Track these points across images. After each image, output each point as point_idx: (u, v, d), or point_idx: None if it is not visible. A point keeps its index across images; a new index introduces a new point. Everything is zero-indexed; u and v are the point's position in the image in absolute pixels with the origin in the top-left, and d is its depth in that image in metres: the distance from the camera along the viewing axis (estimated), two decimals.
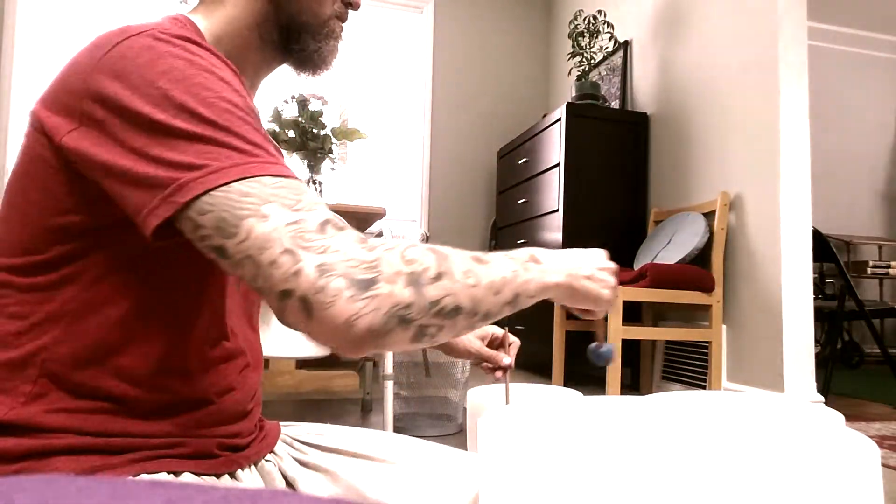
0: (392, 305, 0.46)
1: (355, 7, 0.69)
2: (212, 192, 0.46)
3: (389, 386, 1.72)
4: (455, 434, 1.93)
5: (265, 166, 0.48)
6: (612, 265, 0.67)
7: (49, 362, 0.52)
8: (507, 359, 0.89)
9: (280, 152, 0.56)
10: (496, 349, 0.92)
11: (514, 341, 0.93)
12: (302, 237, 0.46)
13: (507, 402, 0.91)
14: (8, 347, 0.53)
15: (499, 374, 0.88)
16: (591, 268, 0.63)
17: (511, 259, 0.55)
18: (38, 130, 0.53)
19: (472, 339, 0.90)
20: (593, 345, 0.87)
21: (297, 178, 0.50)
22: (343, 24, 0.69)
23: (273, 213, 0.46)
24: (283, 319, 0.47)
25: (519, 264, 0.55)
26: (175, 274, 0.57)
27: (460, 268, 0.50)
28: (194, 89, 0.49)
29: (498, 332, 0.92)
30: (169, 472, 0.54)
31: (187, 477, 0.55)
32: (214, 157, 0.47)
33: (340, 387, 2.74)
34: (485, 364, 0.89)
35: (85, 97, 0.50)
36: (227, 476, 0.60)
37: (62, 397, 0.52)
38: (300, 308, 0.45)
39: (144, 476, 0.53)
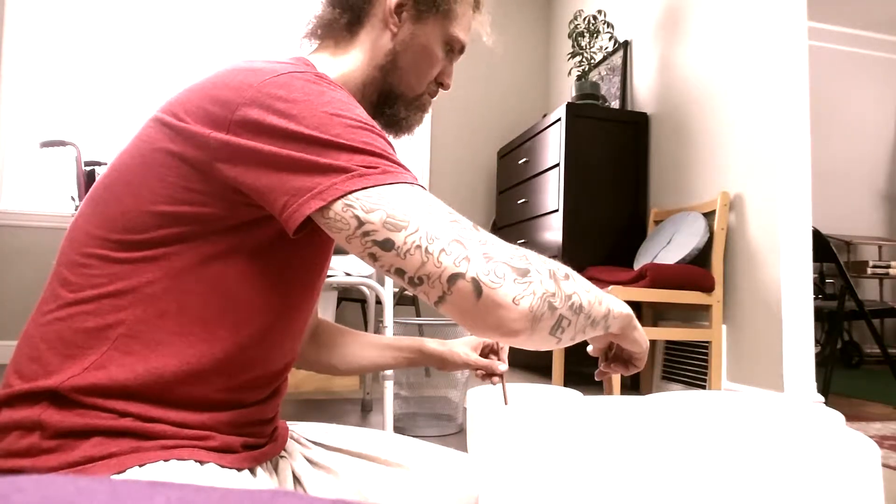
0: (544, 291, 0.53)
1: (446, 88, 0.78)
2: (380, 188, 0.52)
3: (389, 386, 1.72)
4: (455, 434, 1.93)
5: (414, 178, 0.56)
6: None
7: (122, 338, 0.56)
8: (503, 365, 0.89)
9: None
10: (487, 356, 0.93)
11: (505, 346, 0.93)
12: (463, 232, 0.53)
13: (505, 406, 0.91)
14: (89, 315, 0.56)
15: (495, 380, 0.88)
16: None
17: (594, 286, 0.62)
18: (171, 128, 0.57)
19: (467, 351, 0.90)
20: None
21: None
22: (432, 100, 0.77)
23: (437, 213, 0.53)
24: (445, 303, 0.52)
25: (602, 291, 0.62)
26: (268, 283, 0.61)
27: (575, 274, 0.58)
28: (355, 117, 0.56)
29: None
30: (196, 461, 0.56)
31: (211, 467, 0.57)
32: (377, 165, 0.54)
33: (340, 387, 2.74)
34: (479, 372, 0.89)
35: (242, 109, 0.54)
36: (247, 471, 0.62)
37: (119, 372, 0.55)
38: (471, 289, 0.51)
39: (174, 462, 0.55)
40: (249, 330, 0.61)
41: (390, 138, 0.76)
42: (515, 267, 0.53)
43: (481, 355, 0.93)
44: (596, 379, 0.76)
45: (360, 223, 0.52)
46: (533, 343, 0.55)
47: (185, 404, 0.58)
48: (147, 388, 0.56)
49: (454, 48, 0.75)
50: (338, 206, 0.52)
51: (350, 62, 0.71)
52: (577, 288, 0.56)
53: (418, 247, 0.51)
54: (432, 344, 0.90)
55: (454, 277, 0.51)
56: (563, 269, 0.57)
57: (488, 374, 0.89)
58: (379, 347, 0.91)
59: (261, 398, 0.66)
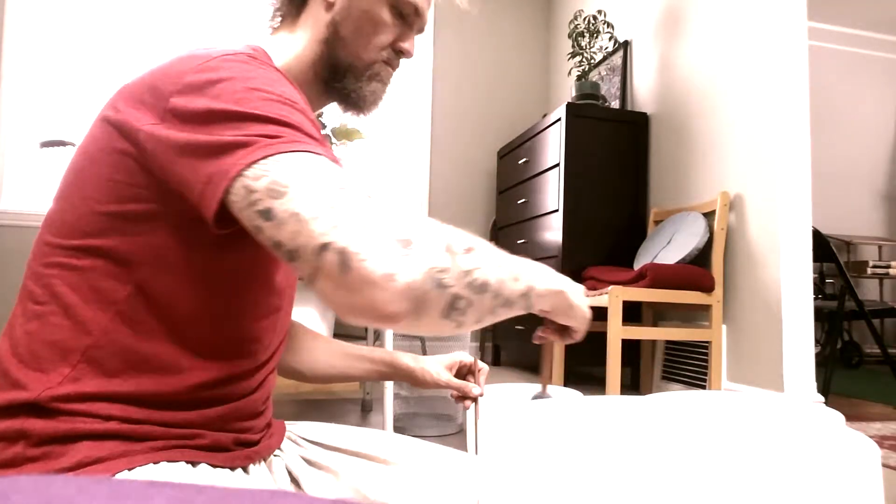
0: (430, 266, 0.45)
1: (407, 55, 0.72)
2: (276, 157, 0.49)
3: (389, 386, 1.72)
4: (455, 434, 1.93)
5: (323, 151, 0.52)
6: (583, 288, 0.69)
7: (92, 349, 0.55)
8: (477, 388, 0.86)
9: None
10: (464, 377, 0.90)
11: (483, 368, 0.90)
12: (347, 199, 0.47)
13: (475, 436, 0.88)
14: (56, 328, 0.55)
15: (468, 403, 0.86)
16: (578, 289, 0.64)
17: (523, 260, 0.57)
18: (113, 125, 0.56)
19: (440, 370, 0.87)
20: (537, 393, 0.79)
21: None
22: (392, 70, 0.73)
23: (324, 180, 0.48)
24: (316, 280, 0.46)
25: (531, 265, 0.57)
26: (229, 275, 0.60)
27: (485, 247, 0.51)
28: (277, 92, 0.54)
29: (467, 359, 0.90)
30: (187, 462, 0.56)
31: (203, 468, 0.57)
32: (282, 134, 0.50)
33: (340, 387, 2.74)
34: (454, 394, 0.86)
35: (174, 97, 0.53)
36: (240, 470, 0.61)
37: (94, 383, 0.54)
38: (337, 262, 0.44)
39: (164, 464, 0.54)
40: (221, 326, 0.59)
41: (356, 118, 0.74)
42: (398, 237, 0.45)
43: (457, 376, 0.89)
44: (534, 342, 0.72)
45: (248, 192, 0.48)
46: (423, 328, 0.48)
47: (169, 404, 0.57)
48: (127, 392, 0.55)
49: (404, 11, 0.70)
50: (237, 181, 0.49)
51: (299, 42, 0.70)
52: (483, 263, 0.49)
53: (293, 214, 0.46)
54: (405, 359, 0.87)
55: (322, 248, 0.45)
56: (466, 240, 0.50)
57: (462, 397, 0.86)
58: (349, 357, 0.87)
59: (247, 392, 0.65)
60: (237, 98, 0.52)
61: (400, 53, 0.72)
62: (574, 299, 0.61)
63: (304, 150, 0.50)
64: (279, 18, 0.73)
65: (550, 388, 0.89)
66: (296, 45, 0.70)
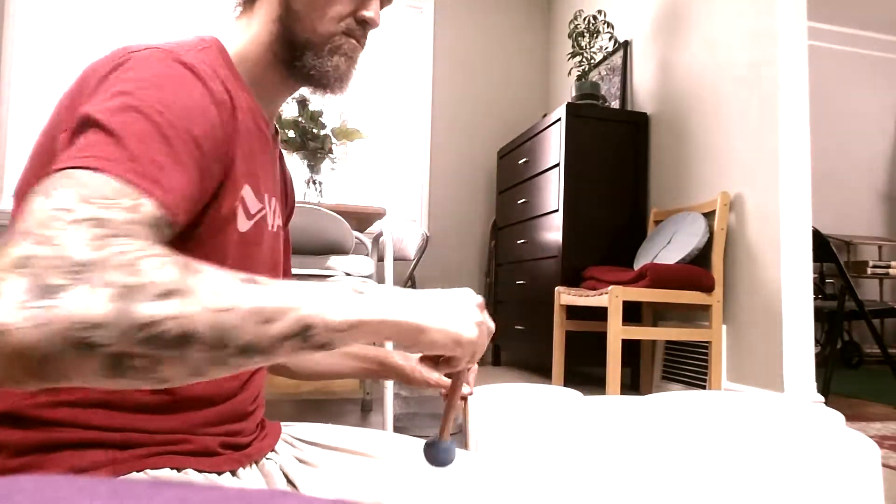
0: (72, 322, 0.34)
1: (372, 24, 0.67)
2: (61, 171, 0.43)
3: (389, 386, 1.72)
4: (455, 434, 1.93)
5: (121, 166, 0.45)
6: (479, 299, 0.54)
7: None
8: (466, 387, 0.84)
9: (183, 163, 0.51)
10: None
11: (473, 367, 0.87)
12: (50, 224, 0.38)
13: (465, 434, 0.87)
14: None
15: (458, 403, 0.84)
16: (450, 304, 0.50)
17: (324, 288, 0.44)
18: (51, 121, 0.55)
19: (430, 368, 0.85)
20: (432, 439, 0.60)
21: (150, 189, 0.45)
22: (357, 42, 0.68)
23: (55, 200, 0.40)
24: None
25: (331, 293, 0.43)
26: None
27: (211, 287, 0.39)
28: (131, 94, 0.49)
29: None
30: (172, 469, 0.55)
31: (190, 474, 0.56)
32: (90, 147, 0.45)
33: (340, 387, 2.74)
34: (444, 392, 0.85)
35: (88, 93, 0.52)
36: (228, 474, 0.61)
37: (70, 390, 0.53)
38: None
39: (149, 471, 0.53)
40: None
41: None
42: (45, 282, 0.35)
43: (448, 375, 0.88)
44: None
45: None
46: (81, 384, 0.37)
47: (150, 409, 0.56)
48: (106, 399, 0.54)
49: None
50: None
51: (255, 25, 0.67)
52: (187, 310, 0.37)
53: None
54: (396, 357, 0.85)
55: None
56: (174, 283, 0.38)
57: None
58: (338, 354, 0.86)
59: (232, 393, 0.64)
60: (101, 101, 0.49)
61: (364, 24, 0.67)
62: (427, 323, 0.47)
63: (87, 167, 0.43)
64: (240, 8, 0.70)
65: (464, 433, 0.82)
66: (252, 29, 0.67)
